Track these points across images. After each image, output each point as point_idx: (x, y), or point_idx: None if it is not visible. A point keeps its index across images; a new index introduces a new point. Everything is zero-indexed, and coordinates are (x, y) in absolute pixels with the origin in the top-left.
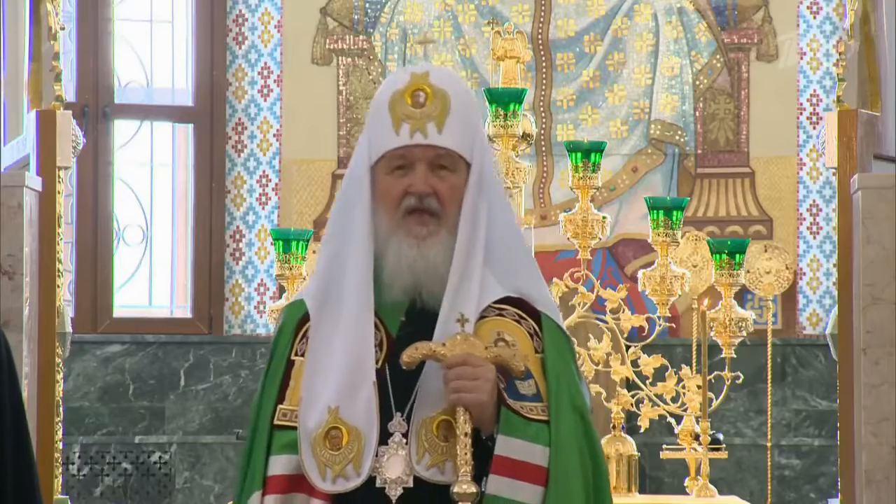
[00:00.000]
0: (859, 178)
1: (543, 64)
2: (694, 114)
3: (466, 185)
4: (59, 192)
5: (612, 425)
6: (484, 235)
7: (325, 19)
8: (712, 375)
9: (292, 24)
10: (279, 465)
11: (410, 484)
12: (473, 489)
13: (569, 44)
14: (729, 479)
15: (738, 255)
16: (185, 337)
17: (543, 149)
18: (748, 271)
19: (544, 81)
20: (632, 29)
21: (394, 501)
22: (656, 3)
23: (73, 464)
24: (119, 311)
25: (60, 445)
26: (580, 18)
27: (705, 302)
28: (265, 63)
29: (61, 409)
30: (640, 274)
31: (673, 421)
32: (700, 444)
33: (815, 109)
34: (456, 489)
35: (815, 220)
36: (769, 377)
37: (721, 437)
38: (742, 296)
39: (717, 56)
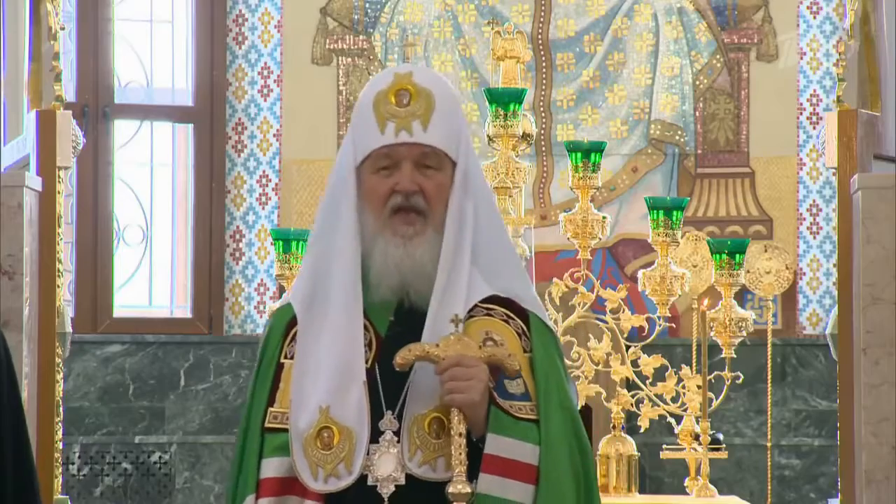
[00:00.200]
0: (859, 178)
1: (543, 64)
2: (694, 114)
3: (452, 185)
4: (59, 192)
5: (612, 425)
6: (471, 235)
7: (325, 19)
8: (712, 375)
9: (292, 24)
10: (271, 467)
11: (402, 481)
12: (468, 489)
13: (569, 44)
14: (729, 479)
15: (738, 255)
16: (185, 337)
17: (543, 149)
18: (748, 271)
19: (544, 81)
20: (632, 29)
21: (386, 499)
22: (656, 3)
23: (73, 464)
24: (119, 311)
25: (60, 445)
26: (580, 18)
27: (705, 302)
28: (265, 63)
29: (61, 409)
30: (640, 274)
31: (673, 421)
32: (700, 444)
33: (815, 109)
34: (451, 489)
35: (815, 220)
36: (769, 377)
37: (721, 437)
38: (742, 296)
39: (717, 56)
